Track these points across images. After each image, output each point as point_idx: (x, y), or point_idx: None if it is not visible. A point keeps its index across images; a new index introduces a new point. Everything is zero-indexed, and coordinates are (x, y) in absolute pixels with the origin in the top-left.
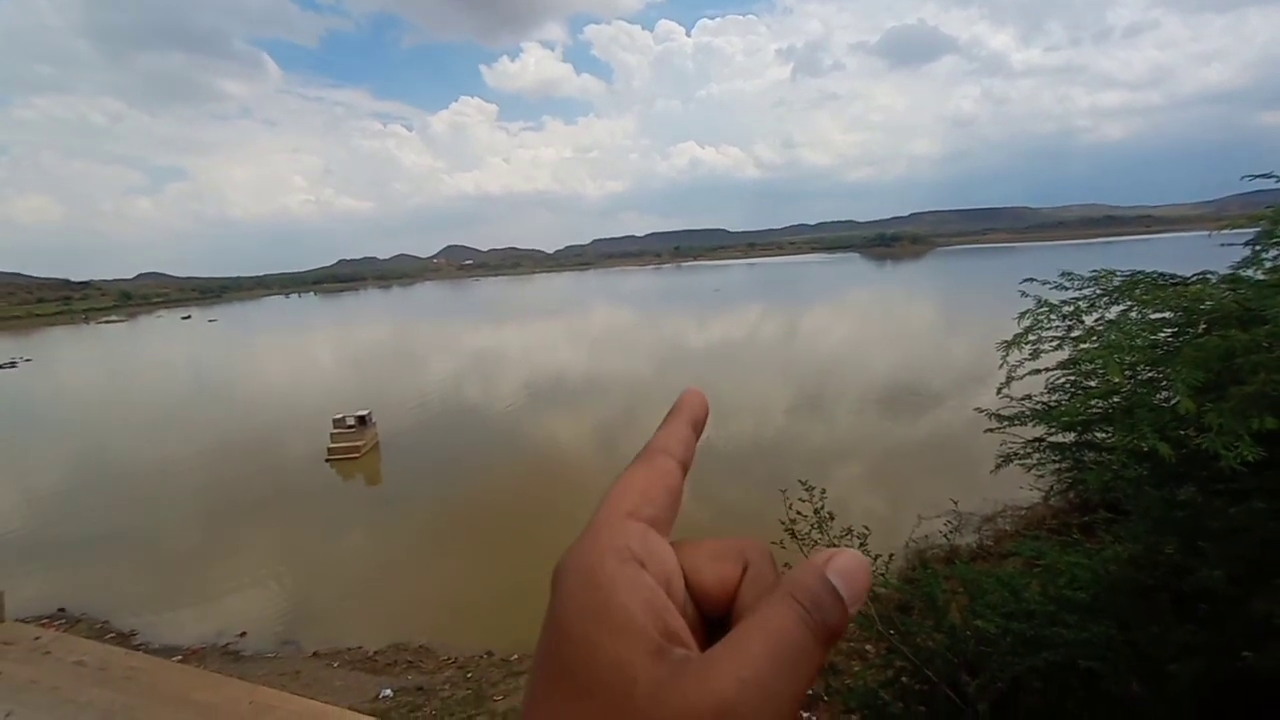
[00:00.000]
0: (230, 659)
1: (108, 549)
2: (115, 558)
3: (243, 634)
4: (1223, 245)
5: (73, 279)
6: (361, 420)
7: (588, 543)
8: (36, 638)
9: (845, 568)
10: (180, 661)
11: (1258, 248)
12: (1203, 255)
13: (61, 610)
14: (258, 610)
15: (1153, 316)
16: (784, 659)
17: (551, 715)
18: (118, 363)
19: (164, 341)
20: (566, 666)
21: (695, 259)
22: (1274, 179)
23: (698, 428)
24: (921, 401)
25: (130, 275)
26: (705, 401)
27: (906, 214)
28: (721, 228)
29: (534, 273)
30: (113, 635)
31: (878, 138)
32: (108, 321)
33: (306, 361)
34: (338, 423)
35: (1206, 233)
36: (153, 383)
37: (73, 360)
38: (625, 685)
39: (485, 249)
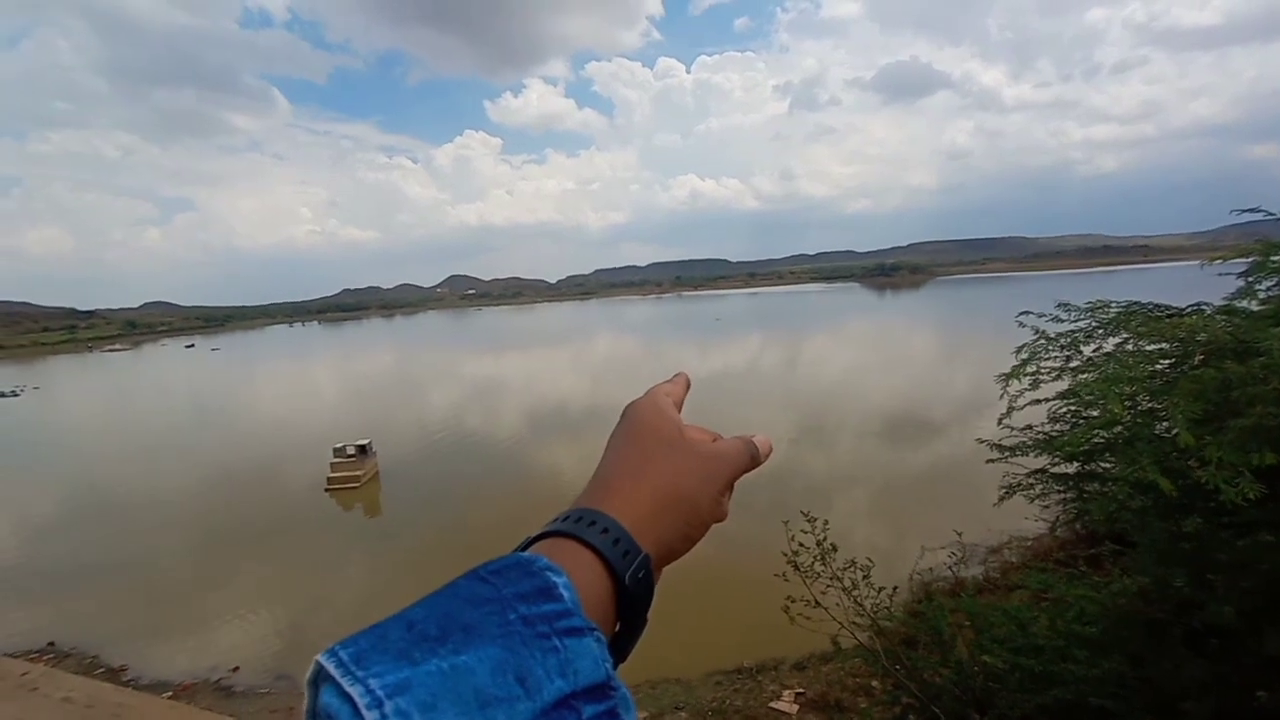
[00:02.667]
0: (222, 695)
1: (101, 581)
2: (109, 590)
3: (236, 669)
4: (1220, 275)
5: (80, 308)
6: (362, 449)
7: (647, 394)
8: (24, 673)
9: (762, 440)
10: (170, 698)
11: (1251, 279)
12: (1200, 285)
13: (51, 644)
14: (252, 644)
15: (1149, 348)
16: (736, 455)
17: (624, 449)
18: (119, 391)
19: (166, 370)
20: (635, 430)
21: (696, 288)
22: (1262, 213)
23: (688, 386)
24: (923, 431)
25: (136, 304)
26: (689, 377)
27: (905, 244)
28: (722, 258)
29: (536, 302)
30: (102, 670)
31: (875, 170)
32: (112, 350)
33: (308, 390)
34: (338, 452)
35: (1199, 264)
36: (153, 411)
37: (75, 389)
38: (670, 440)
39: (488, 279)
